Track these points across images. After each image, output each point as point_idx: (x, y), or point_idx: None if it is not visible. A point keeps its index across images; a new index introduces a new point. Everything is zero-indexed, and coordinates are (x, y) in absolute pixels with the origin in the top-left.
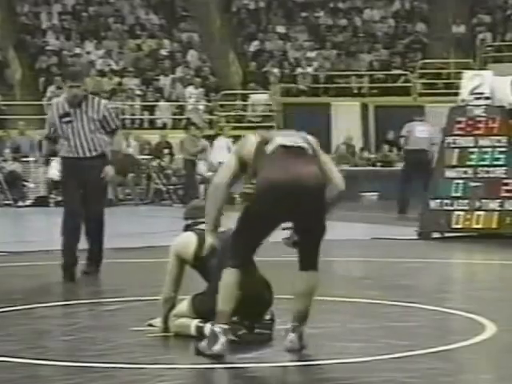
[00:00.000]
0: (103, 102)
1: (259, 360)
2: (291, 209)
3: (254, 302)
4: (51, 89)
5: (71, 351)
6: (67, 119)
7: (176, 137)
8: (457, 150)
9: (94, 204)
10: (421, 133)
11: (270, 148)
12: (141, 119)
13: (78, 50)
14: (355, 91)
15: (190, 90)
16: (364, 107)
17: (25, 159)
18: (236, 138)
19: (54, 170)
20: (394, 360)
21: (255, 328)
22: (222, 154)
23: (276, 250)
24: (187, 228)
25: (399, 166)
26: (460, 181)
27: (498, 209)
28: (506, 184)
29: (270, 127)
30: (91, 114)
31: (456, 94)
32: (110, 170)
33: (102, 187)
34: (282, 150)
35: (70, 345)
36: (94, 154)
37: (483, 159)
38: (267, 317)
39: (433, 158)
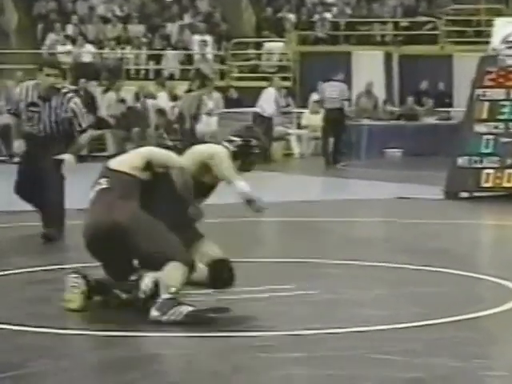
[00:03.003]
0: (75, 99)
1: (273, 328)
2: None
3: None
4: (51, 36)
5: (72, 319)
6: (34, 109)
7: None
8: (487, 103)
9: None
10: (331, 93)
11: None
12: (146, 69)
13: None
14: (378, 39)
15: (199, 37)
16: (387, 57)
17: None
18: (249, 90)
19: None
20: (418, 328)
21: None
22: (270, 107)
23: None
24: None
25: (425, 120)
26: (490, 136)
27: None
28: None
29: (286, 78)
30: (59, 111)
31: (487, 43)
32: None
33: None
34: None
35: (68, 313)
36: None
37: None
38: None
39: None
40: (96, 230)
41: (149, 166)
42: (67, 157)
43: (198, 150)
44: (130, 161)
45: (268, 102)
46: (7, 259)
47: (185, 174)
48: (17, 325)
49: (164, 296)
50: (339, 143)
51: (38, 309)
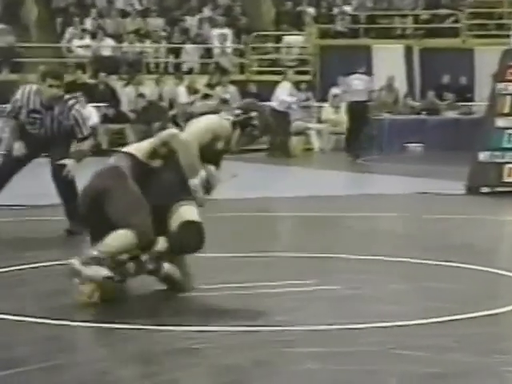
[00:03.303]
0: (76, 106)
1: (293, 323)
2: None
3: None
4: (70, 30)
5: (94, 311)
6: (35, 116)
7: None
8: (509, 98)
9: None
10: (357, 85)
11: None
12: (165, 63)
13: None
14: (399, 32)
15: (219, 31)
16: (408, 50)
17: None
18: (268, 84)
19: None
20: (438, 324)
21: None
22: (285, 101)
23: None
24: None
25: (447, 115)
26: None
27: None
28: None
29: (306, 72)
30: (61, 118)
31: (509, 36)
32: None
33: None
34: None
35: (94, 305)
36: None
37: None
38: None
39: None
40: (83, 196)
41: (155, 152)
42: (69, 162)
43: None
44: (138, 146)
45: (283, 96)
46: (30, 252)
47: (191, 148)
48: (40, 317)
49: (94, 252)
50: (361, 136)
51: (59, 302)
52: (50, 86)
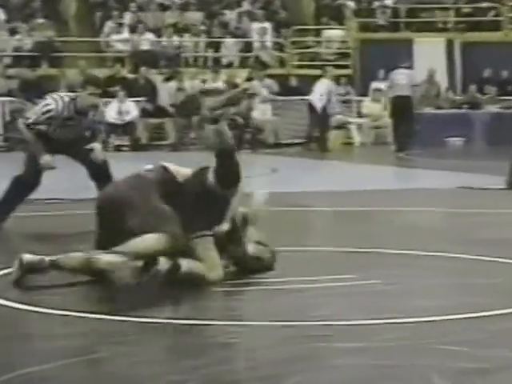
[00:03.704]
0: (100, 108)
1: (331, 318)
2: None
3: None
4: (109, 24)
5: (135, 305)
6: (70, 123)
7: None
8: None
9: None
10: (400, 80)
11: None
12: (205, 57)
13: None
14: (440, 26)
15: (258, 24)
16: (449, 44)
17: None
18: (308, 78)
19: (112, 113)
20: (475, 319)
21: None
22: (322, 98)
23: None
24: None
25: (488, 109)
26: None
27: None
28: None
29: (346, 66)
30: (88, 122)
31: None
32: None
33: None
34: None
35: (133, 299)
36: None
37: None
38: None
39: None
40: (104, 201)
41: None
42: (97, 145)
43: None
44: (179, 168)
45: (320, 93)
46: (68, 246)
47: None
48: (77, 311)
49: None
50: (407, 130)
51: (103, 294)
52: (91, 93)
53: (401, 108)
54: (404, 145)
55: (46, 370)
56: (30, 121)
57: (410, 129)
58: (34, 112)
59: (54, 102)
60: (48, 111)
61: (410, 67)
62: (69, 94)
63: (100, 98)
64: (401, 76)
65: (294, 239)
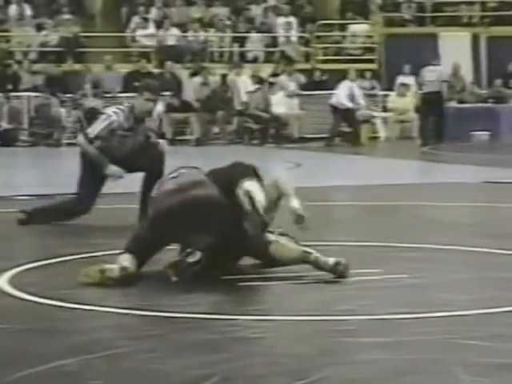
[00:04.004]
0: (157, 110)
1: (357, 312)
2: None
3: None
4: (135, 19)
5: (157, 300)
6: (127, 133)
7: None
8: None
9: None
10: (430, 77)
11: None
12: (230, 52)
13: None
14: (465, 20)
15: (283, 19)
16: (475, 38)
17: (107, 95)
18: (334, 72)
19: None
20: (502, 314)
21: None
22: (345, 100)
23: None
24: None
25: None
26: None
27: None
28: None
29: (371, 60)
30: (146, 129)
31: None
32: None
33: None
34: None
35: (155, 293)
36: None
37: None
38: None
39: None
40: (187, 201)
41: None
42: (161, 141)
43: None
44: None
45: (343, 95)
46: (109, 240)
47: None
48: (102, 306)
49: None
50: (440, 125)
51: (121, 290)
52: (148, 99)
53: (431, 104)
54: (432, 139)
55: (68, 365)
56: (92, 136)
57: (441, 124)
58: (94, 127)
59: (115, 114)
60: (110, 124)
61: (439, 64)
62: (126, 104)
63: (155, 104)
64: (431, 73)
65: (323, 233)
